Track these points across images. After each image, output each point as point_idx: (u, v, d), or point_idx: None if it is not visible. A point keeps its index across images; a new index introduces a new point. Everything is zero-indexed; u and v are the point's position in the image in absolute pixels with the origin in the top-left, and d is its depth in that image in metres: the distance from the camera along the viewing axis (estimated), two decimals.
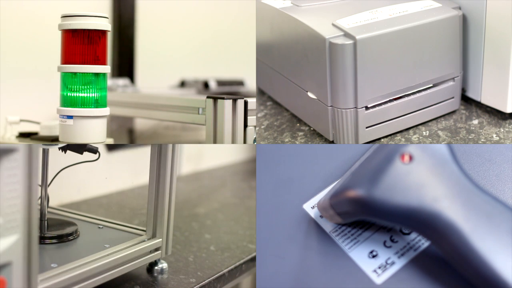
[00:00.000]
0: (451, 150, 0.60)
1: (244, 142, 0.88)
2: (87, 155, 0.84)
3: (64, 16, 0.85)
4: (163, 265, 0.84)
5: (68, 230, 0.77)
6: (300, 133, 0.98)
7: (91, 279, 0.70)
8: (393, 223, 0.60)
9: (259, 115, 1.05)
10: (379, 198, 0.58)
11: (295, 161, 0.71)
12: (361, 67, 0.84)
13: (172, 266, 0.86)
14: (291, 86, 0.97)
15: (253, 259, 0.94)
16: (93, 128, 0.86)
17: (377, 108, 0.89)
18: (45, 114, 1.07)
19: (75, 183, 1.16)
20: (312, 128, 0.98)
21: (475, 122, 0.97)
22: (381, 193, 0.58)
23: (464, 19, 0.94)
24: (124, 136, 1.28)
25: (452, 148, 0.60)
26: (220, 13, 1.52)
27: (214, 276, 0.84)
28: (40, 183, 0.84)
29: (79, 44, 0.84)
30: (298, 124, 1.01)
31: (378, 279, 0.63)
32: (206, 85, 1.28)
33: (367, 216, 0.61)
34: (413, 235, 0.65)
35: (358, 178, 0.60)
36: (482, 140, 0.93)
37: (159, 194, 0.80)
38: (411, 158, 0.59)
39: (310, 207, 0.68)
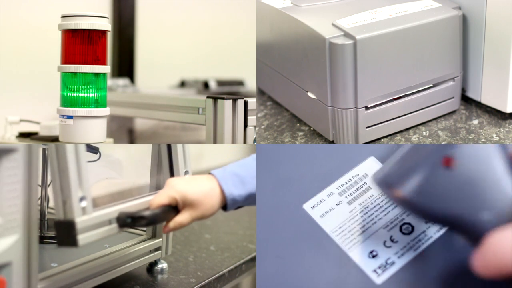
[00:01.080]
0: (496, 151, 0.58)
1: (244, 142, 0.88)
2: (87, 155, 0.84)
3: (64, 16, 0.85)
4: (163, 265, 0.84)
5: None
6: (300, 133, 0.98)
7: (91, 279, 0.70)
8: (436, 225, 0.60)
9: (259, 115, 1.05)
10: (419, 203, 0.58)
11: (295, 161, 0.71)
12: (361, 67, 0.84)
13: (172, 266, 0.86)
14: (291, 86, 0.97)
15: (253, 259, 0.94)
16: (93, 128, 0.86)
17: (377, 108, 0.89)
18: (45, 114, 1.07)
19: None
20: (312, 128, 0.98)
21: (475, 122, 0.97)
22: (423, 198, 0.58)
23: (464, 19, 0.94)
24: (124, 136, 1.28)
25: (498, 148, 0.59)
26: (220, 13, 1.52)
27: (214, 276, 0.84)
28: (40, 183, 0.84)
29: (79, 44, 0.84)
30: (298, 124, 1.01)
31: (378, 279, 0.63)
32: (206, 85, 1.28)
33: (410, 212, 0.61)
34: (413, 235, 0.65)
35: (404, 179, 0.59)
36: (482, 140, 0.93)
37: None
38: (453, 162, 0.58)
39: (310, 207, 0.68)
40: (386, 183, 0.61)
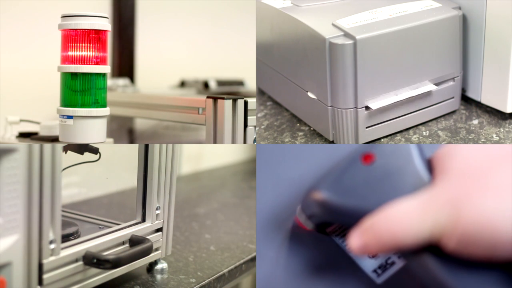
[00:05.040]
0: (417, 148, 0.58)
1: (244, 142, 0.88)
2: (87, 155, 0.84)
3: (64, 16, 0.85)
4: (163, 265, 0.84)
5: (69, 230, 0.77)
6: (300, 133, 0.98)
7: (91, 279, 0.70)
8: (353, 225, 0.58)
9: (259, 115, 1.05)
10: (338, 200, 0.57)
11: (295, 161, 0.71)
12: (361, 67, 0.84)
13: (172, 266, 0.86)
14: (291, 86, 0.97)
15: (253, 259, 0.94)
16: (93, 128, 0.86)
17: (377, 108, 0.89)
18: (45, 114, 1.07)
19: (75, 183, 1.16)
20: (312, 128, 0.98)
21: (475, 122, 0.97)
22: (340, 195, 0.57)
23: (464, 19, 0.94)
24: (124, 136, 1.28)
25: (421, 147, 0.58)
26: (220, 13, 1.52)
27: (214, 276, 0.84)
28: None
29: (79, 44, 0.84)
30: (298, 124, 1.01)
31: (378, 279, 0.63)
32: (206, 85, 1.28)
33: (329, 217, 0.60)
34: None
35: (322, 179, 0.59)
36: (482, 140, 0.93)
37: (159, 193, 0.80)
38: (372, 159, 0.58)
39: None
40: (307, 191, 0.60)
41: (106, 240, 0.72)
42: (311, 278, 0.64)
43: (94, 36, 0.85)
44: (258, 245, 0.66)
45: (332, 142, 0.92)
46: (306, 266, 0.65)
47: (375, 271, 0.64)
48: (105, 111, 0.87)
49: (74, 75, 0.85)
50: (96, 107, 0.86)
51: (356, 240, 0.55)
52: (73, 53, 0.85)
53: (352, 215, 0.56)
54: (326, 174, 0.59)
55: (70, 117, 0.85)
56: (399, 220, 0.53)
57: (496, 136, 0.93)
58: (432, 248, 0.53)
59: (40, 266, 0.61)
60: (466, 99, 1.02)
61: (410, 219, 0.53)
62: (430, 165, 0.57)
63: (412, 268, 0.56)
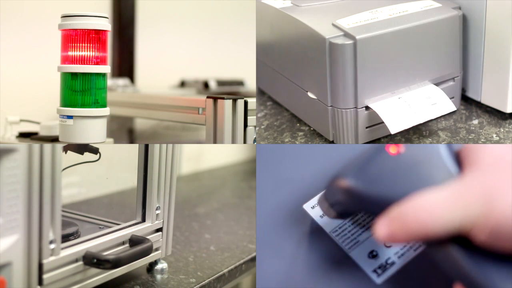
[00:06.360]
0: (447, 147, 0.58)
1: (244, 142, 0.88)
2: (87, 155, 0.84)
3: (64, 16, 0.85)
4: (163, 265, 0.84)
5: (69, 230, 0.77)
6: (300, 133, 0.98)
7: (91, 279, 0.70)
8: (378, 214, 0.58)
9: (259, 115, 1.05)
10: (364, 188, 0.56)
11: (295, 161, 0.71)
12: (361, 67, 0.84)
13: (172, 266, 0.86)
14: (291, 86, 0.97)
15: (253, 259, 0.94)
16: (93, 128, 0.86)
17: None
18: (45, 114, 1.07)
19: (75, 183, 1.16)
20: (312, 128, 0.98)
21: (475, 122, 0.97)
22: (366, 183, 0.56)
23: (464, 19, 0.94)
24: (124, 136, 1.28)
25: (450, 146, 0.58)
26: (220, 13, 1.52)
27: (214, 276, 0.84)
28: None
29: (79, 44, 0.84)
30: (298, 124, 1.01)
31: (378, 279, 0.63)
32: (206, 85, 1.28)
33: (354, 205, 0.59)
34: None
35: (348, 167, 0.59)
36: (482, 140, 0.93)
37: (159, 193, 0.80)
38: (399, 150, 0.58)
39: (310, 207, 0.68)
40: (331, 178, 0.60)
41: (106, 240, 0.72)
42: (311, 278, 0.64)
43: (94, 36, 0.85)
44: (258, 245, 0.66)
45: (332, 142, 0.92)
46: (306, 265, 0.65)
47: (375, 271, 0.64)
48: (105, 111, 0.87)
49: (74, 75, 0.85)
50: (96, 107, 0.86)
51: (382, 228, 0.54)
52: (73, 53, 0.85)
53: (378, 203, 0.56)
54: (351, 163, 0.58)
55: (70, 117, 0.85)
56: (428, 210, 0.52)
57: (496, 136, 0.93)
58: (459, 239, 0.53)
59: (40, 266, 0.61)
60: (466, 99, 1.02)
61: (440, 209, 0.52)
62: (457, 158, 0.57)
63: (437, 259, 0.55)
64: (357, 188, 0.57)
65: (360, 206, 0.59)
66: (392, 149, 0.57)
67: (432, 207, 0.52)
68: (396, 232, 0.53)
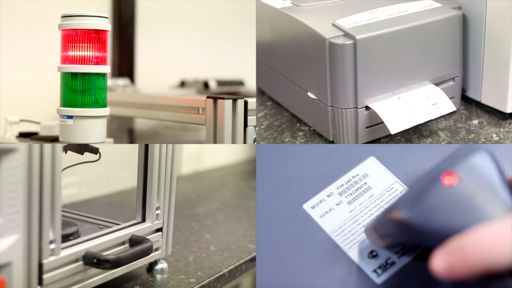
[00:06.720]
0: (497, 168, 0.56)
1: (244, 142, 0.88)
2: (87, 155, 0.84)
3: (64, 16, 0.85)
4: (163, 265, 0.84)
5: (69, 230, 0.77)
6: (300, 133, 0.98)
7: (91, 279, 0.70)
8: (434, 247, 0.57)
9: (259, 115, 1.05)
10: (419, 221, 0.55)
11: (295, 161, 0.71)
12: (361, 67, 0.84)
13: (172, 266, 0.86)
14: (291, 86, 0.97)
15: (253, 259, 0.94)
16: (93, 128, 0.86)
17: None
18: (45, 114, 1.07)
19: (75, 183, 1.16)
20: (312, 128, 0.98)
21: (475, 122, 0.97)
22: (422, 216, 0.55)
23: (464, 19, 0.94)
24: (124, 136, 1.28)
25: (498, 165, 0.57)
26: (220, 13, 1.52)
27: (214, 276, 0.84)
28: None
29: (79, 44, 0.84)
30: (298, 124, 1.01)
31: (378, 279, 0.63)
32: (206, 85, 1.28)
33: (408, 238, 0.59)
34: None
35: (402, 199, 0.58)
36: (482, 140, 0.93)
37: (159, 193, 0.80)
38: (454, 179, 0.56)
39: (310, 207, 0.68)
40: (384, 211, 0.59)
41: (106, 240, 0.72)
42: (311, 278, 0.64)
43: (94, 36, 0.85)
44: (258, 245, 0.66)
45: (332, 142, 0.92)
46: (306, 265, 0.64)
47: (375, 271, 0.64)
48: (105, 111, 0.87)
49: (74, 75, 0.85)
50: (96, 107, 0.86)
51: (441, 262, 0.52)
52: (73, 53, 0.85)
53: (434, 236, 0.55)
54: (405, 194, 0.58)
55: (70, 117, 0.85)
56: (491, 243, 0.51)
57: (496, 136, 0.93)
58: None
59: (40, 266, 0.61)
60: (466, 99, 1.02)
61: (503, 242, 0.50)
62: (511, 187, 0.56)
63: None
64: (412, 220, 0.56)
65: (414, 239, 0.58)
66: (447, 180, 0.56)
67: (495, 240, 0.51)
68: (457, 265, 0.52)
